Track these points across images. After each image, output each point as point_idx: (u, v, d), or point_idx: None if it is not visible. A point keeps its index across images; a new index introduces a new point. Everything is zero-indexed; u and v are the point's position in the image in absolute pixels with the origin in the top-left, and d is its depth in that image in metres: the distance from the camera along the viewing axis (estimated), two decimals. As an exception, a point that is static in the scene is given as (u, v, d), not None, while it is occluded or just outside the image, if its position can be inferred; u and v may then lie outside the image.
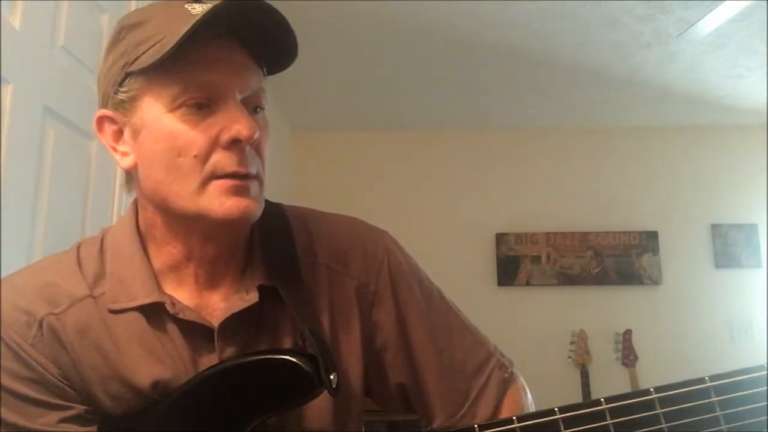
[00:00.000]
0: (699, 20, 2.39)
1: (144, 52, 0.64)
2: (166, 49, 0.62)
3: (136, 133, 0.68)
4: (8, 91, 1.17)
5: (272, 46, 0.68)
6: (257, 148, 0.68)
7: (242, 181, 0.66)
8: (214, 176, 0.65)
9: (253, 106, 0.68)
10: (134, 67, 0.65)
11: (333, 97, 3.59)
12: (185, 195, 0.66)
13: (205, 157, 0.65)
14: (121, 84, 0.67)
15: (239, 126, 0.64)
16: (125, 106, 0.67)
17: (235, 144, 0.65)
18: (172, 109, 0.65)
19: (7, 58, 1.14)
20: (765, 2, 2.42)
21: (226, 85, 0.65)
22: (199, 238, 0.70)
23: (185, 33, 0.61)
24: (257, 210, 0.68)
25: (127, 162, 0.70)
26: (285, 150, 3.95)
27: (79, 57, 1.40)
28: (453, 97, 3.55)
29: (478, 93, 3.51)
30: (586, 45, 2.87)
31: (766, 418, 0.62)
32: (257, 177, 0.68)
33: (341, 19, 2.66)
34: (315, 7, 2.51)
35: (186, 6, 0.66)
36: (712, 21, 2.37)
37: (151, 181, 0.68)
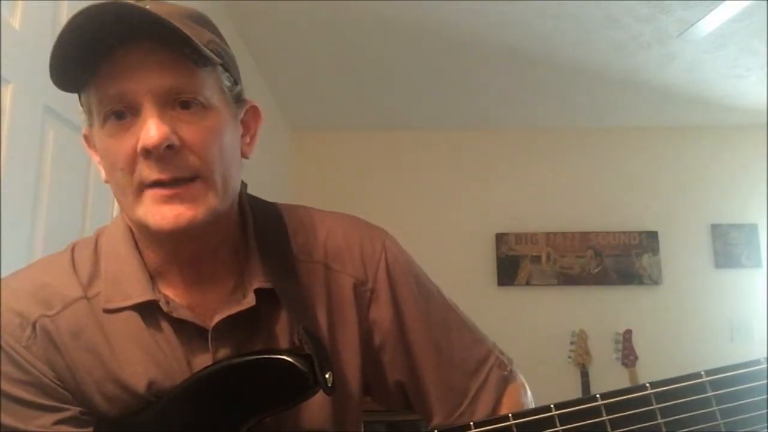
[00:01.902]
0: (699, 20, 2.39)
1: None
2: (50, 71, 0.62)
3: (96, 149, 0.69)
4: (8, 91, 1.17)
5: (184, 41, 0.64)
6: (191, 146, 0.64)
7: (169, 189, 0.63)
8: (144, 186, 0.64)
9: (182, 102, 0.65)
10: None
11: (333, 97, 3.59)
12: (127, 206, 0.66)
13: (131, 169, 0.64)
14: (80, 102, 0.68)
15: (145, 135, 0.62)
16: (89, 122, 0.68)
17: (148, 153, 0.62)
18: (102, 125, 0.65)
19: (7, 58, 1.14)
20: (765, 2, 2.42)
21: (136, 91, 0.63)
22: (165, 244, 0.70)
23: (50, 61, 0.61)
24: (200, 214, 0.64)
25: (103, 174, 0.70)
26: (285, 150, 3.95)
27: (79, 57, 1.40)
28: (453, 97, 3.55)
29: (478, 93, 3.51)
30: (586, 45, 2.87)
31: (762, 412, 0.62)
32: (198, 177, 0.64)
33: (341, 19, 2.66)
34: (315, 6, 2.51)
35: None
36: (712, 21, 2.37)
37: (113, 192, 0.69)
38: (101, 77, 0.63)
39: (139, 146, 0.62)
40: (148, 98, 0.63)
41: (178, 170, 0.63)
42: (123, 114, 0.64)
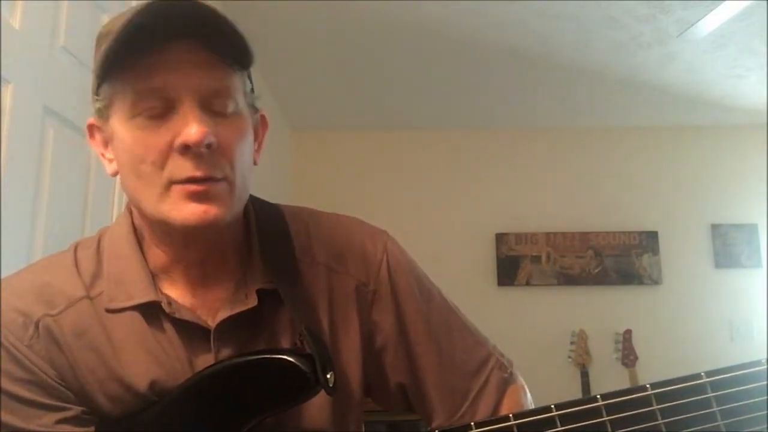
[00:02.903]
0: (699, 20, 2.39)
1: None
2: (103, 62, 0.62)
3: (111, 141, 0.68)
4: (8, 91, 1.17)
5: (229, 43, 0.66)
6: (224, 149, 0.65)
7: (201, 185, 0.64)
8: (173, 182, 0.64)
9: (216, 103, 0.66)
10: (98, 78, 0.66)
11: (333, 97, 3.59)
12: (150, 201, 0.66)
13: (162, 164, 0.64)
14: (96, 92, 0.68)
15: (188, 131, 0.62)
16: (102, 114, 0.68)
17: (186, 149, 0.63)
18: (132, 117, 0.65)
19: (7, 58, 1.14)
20: (765, 2, 2.42)
21: (179, 88, 0.64)
22: (178, 242, 0.70)
23: (107, 51, 0.61)
24: (223, 214, 0.65)
25: (112, 168, 0.70)
26: (285, 150, 3.95)
27: (79, 57, 1.40)
28: (453, 97, 3.56)
29: (478, 93, 3.51)
30: (586, 45, 2.87)
31: (763, 413, 0.62)
32: (225, 179, 0.66)
33: (341, 19, 2.66)
34: (315, 7, 2.51)
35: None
36: (712, 21, 2.37)
37: (128, 188, 0.68)
38: (140, 70, 0.63)
39: (178, 142, 0.63)
40: (189, 96, 0.64)
41: (211, 169, 0.64)
42: (158, 108, 0.64)
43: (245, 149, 0.68)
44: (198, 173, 0.63)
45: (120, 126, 0.66)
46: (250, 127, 0.71)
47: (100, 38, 0.67)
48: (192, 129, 0.62)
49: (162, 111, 0.64)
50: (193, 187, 0.64)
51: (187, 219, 0.64)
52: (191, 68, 0.64)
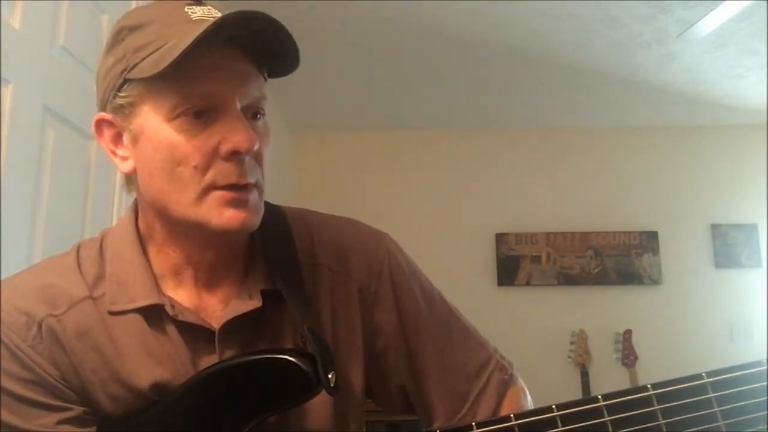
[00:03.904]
0: (699, 20, 2.39)
1: (143, 59, 0.64)
2: (167, 62, 0.61)
3: (135, 140, 0.67)
4: (8, 91, 1.17)
5: (274, 55, 0.67)
6: (257, 156, 0.67)
7: (241, 192, 0.65)
8: (214, 187, 0.64)
9: (253, 113, 0.68)
10: (133, 75, 0.64)
11: (333, 97, 3.59)
12: (185, 204, 0.65)
13: (205, 168, 0.64)
14: (120, 89, 0.66)
15: (239, 137, 0.63)
16: (124, 111, 0.67)
17: (234, 155, 0.64)
18: (172, 118, 0.64)
19: (7, 58, 1.14)
20: (765, 2, 2.42)
21: (226, 94, 0.64)
22: (198, 244, 0.70)
23: (186, 48, 0.60)
24: (256, 220, 0.67)
25: (127, 166, 0.69)
26: (285, 150, 3.95)
27: (79, 57, 1.40)
28: (453, 97, 3.56)
29: (478, 93, 3.51)
30: (586, 45, 2.87)
31: (764, 413, 0.62)
32: (257, 185, 0.67)
33: (341, 19, 2.66)
34: (315, 7, 2.51)
35: (186, 9, 0.66)
36: (712, 21, 2.37)
37: (152, 188, 0.68)
38: (187, 73, 0.63)
39: (228, 147, 0.63)
40: (237, 103, 0.65)
41: (252, 177, 0.66)
42: (202, 113, 0.64)
43: (268, 156, 0.70)
44: (242, 180, 0.65)
45: (156, 126, 0.65)
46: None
47: (125, 30, 0.67)
48: (244, 136, 0.63)
49: (207, 115, 0.64)
50: (233, 195, 0.65)
51: (227, 224, 0.65)
52: (238, 76, 0.65)
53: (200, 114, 0.64)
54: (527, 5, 2.52)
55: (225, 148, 0.64)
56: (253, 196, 0.67)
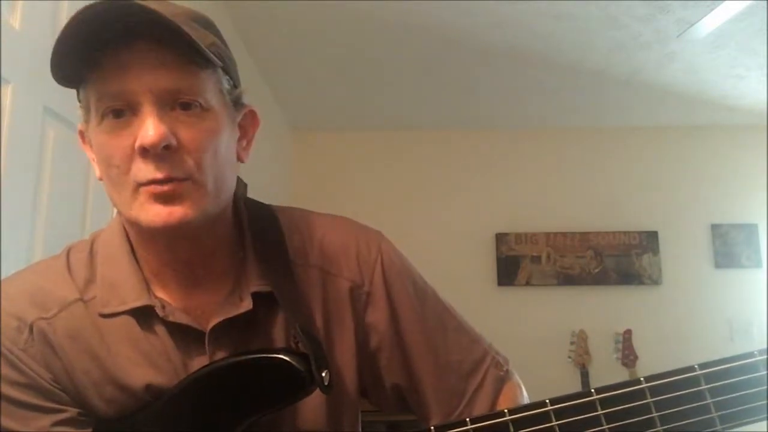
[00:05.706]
0: (699, 20, 2.39)
1: None
2: (52, 69, 0.62)
3: (92, 145, 0.68)
4: (8, 91, 1.17)
5: (186, 42, 0.63)
6: (189, 148, 0.64)
7: (163, 186, 0.63)
8: (139, 185, 0.64)
9: (181, 104, 0.64)
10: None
11: (333, 97, 3.59)
12: (123, 204, 0.66)
13: (127, 167, 0.64)
14: (78, 98, 0.68)
15: (143, 133, 0.62)
16: (85, 118, 0.68)
17: (144, 152, 0.62)
18: (99, 121, 0.65)
19: (7, 58, 1.14)
20: (765, 2, 2.42)
21: (136, 90, 0.63)
22: (159, 244, 0.70)
23: (51, 55, 0.61)
24: (190, 215, 0.64)
25: (98, 172, 0.70)
26: (285, 150, 3.96)
27: (79, 57, 1.40)
28: (453, 97, 3.56)
29: (478, 93, 3.51)
30: (586, 45, 2.87)
31: (756, 404, 0.62)
32: (189, 179, 0.64)
33: (341, 19, 2.66)
34: (315, 7, 2.51)
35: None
36: (712, 21, 2.37)
37: (106, 191, 0.68)
38: (101, 74, 0.63)
39: (137, 145, 0.62)
40: (147, 97, 0.63)
41: (172, 170, 0.63)
42: (121, 112, 0.64)
43: (219, 147, 0.67)
44: (159, 175, 0.63)
45: (93, 129, 0.66)
46: (224, 124, 0.68)
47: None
48: (149, 131, 0.62)
49: (126, 114, 0.64)
50: (155, 188, 0.63)
51: (152, 221, 0.63)
52: (148, 69, 0.63)
53: (120, 113, 0.64)
54: (527, 5, 2.52)
55: (136, 145, 0.63)
56: (183, 189, 0.64)
